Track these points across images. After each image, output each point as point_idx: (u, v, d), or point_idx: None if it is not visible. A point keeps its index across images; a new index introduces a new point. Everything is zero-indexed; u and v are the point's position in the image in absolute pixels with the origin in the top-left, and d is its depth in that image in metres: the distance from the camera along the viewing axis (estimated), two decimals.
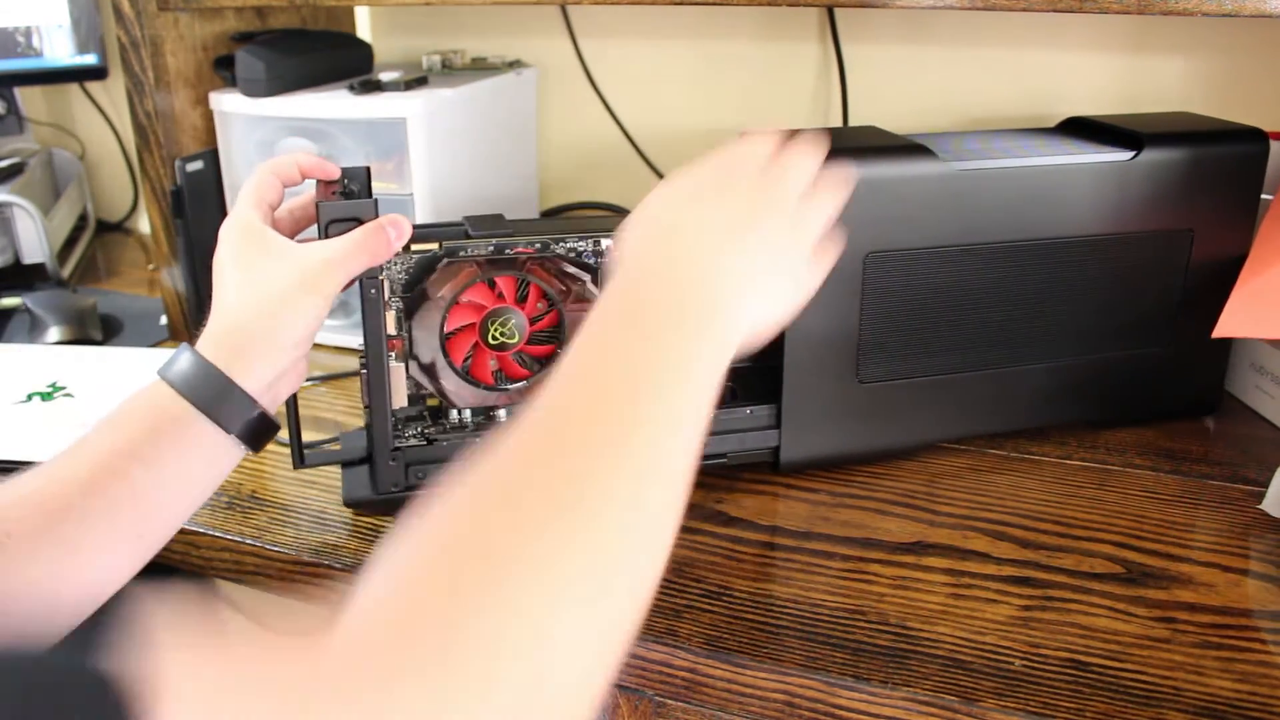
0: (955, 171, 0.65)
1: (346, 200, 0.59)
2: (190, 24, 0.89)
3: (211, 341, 0.53)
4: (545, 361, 0.66)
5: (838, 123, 0.98)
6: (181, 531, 0.65)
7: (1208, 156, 0.69)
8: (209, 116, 0.91)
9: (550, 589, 0.33)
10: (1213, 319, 0.70)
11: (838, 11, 0.95)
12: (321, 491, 0.69)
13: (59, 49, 1.14)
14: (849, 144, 0.66)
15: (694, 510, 0.66)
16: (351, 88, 0.86)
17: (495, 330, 0.64)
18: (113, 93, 1.28)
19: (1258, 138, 0.71)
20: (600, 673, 0.35)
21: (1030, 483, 0.69)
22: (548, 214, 1.09)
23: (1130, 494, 0.67)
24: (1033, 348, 0.71)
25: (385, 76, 0.87)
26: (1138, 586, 0.58)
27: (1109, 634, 0.54)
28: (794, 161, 0.51)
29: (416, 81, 0.88)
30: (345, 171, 0.62)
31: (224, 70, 0.91)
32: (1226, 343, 0.76)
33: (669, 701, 0.56)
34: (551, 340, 0.66)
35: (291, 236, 0.59)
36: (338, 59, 0.94)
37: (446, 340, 0.64)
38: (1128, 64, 0.90)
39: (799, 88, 1.00)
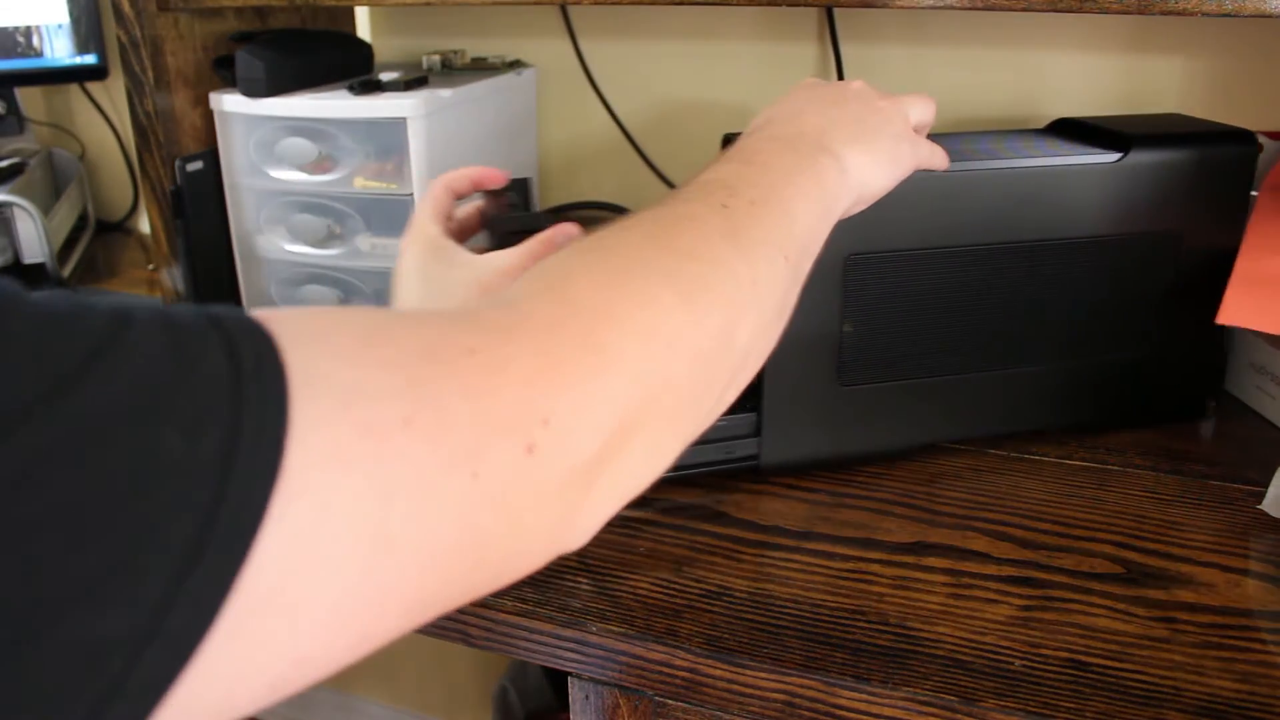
0: (938, 173, 0.65)
1: (517, 213, 0.63)
2: (190, 24, 0.89)
3: None
4: None
5: None
6: None
7: (1195, 158, 0.69)
8: (209, 116, 0.91)
9: (685, 303, 0.38)
10: (1202, 323, 0.70)
11: (837, 12, 0.95)
12: None
13: (59, 49, 1.14)
14: None
15: (694, 510, 0.66)
16: (351, 88, 0.86)
17: None
18: (113, 93, 1.28)
19: (1246, 139, 0.70)
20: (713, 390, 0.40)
21: (1030, 483, 0.69)
22: (548, 214, 1.09)
23: (1130, 494, 0.67)
24: (1019, 351, 0.71)
25: (385, 76, 0.87)
26: (1138, 586, 0.58)
27: (1109, 634, 0.54)
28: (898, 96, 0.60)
29: (416, 81, 0.88)
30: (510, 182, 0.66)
31: (224, 70, 0.91)
32: (1217, 347, 0.75)
33: (669, 701, 0.56)
34: None
35: (459, 243, 0.61)
36: (338, 59, 0.94)
37: None
38: (1127, 64, 0.90)
39: None
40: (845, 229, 0.62)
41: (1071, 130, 0.73)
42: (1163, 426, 0.75)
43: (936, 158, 0.60)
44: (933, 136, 0.71)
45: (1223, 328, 0.71)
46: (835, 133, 0.53)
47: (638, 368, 0.35)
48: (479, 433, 0.30)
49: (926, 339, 0.69)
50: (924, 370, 0.70)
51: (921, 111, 0.61)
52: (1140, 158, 0.68)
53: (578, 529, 0.36)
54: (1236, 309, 0.67)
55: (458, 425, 0.29)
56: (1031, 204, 0.67)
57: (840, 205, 0.51)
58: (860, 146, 0.53)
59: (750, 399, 0.67)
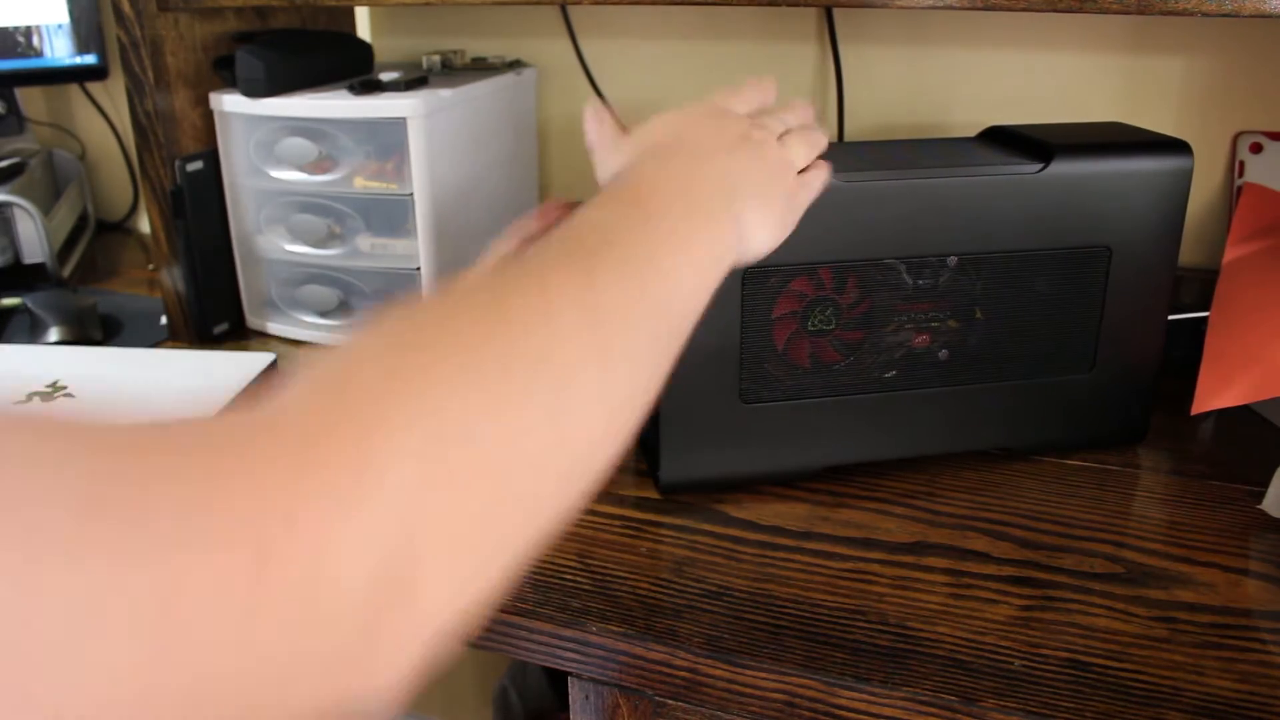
0: (839, 186, 0.62)
1: None
2: (190, 24, 0.89)
3: None
4: None
5: (835, 123, 0.98)
6: None
7: (1124, 170, 0.65)
8: (209, 116, 0.91)
9: (493, 397, 0.31)
10: (1137, 344, 0.68)
11: (836, 12, 0.95)
12: None
13: (59, 49, 1.14)
14: None
15: (694, 510, 0.66)
16: (351, 88, 0.86)
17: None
18: (113, 93, 1.28)
19: (1181, 150, 0.66)
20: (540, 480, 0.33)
21: (1030, 483, 0.69)
22: None
23: (1130, 494, 0.67)
24: (938, 370, 0.68)
25: (385, 76, 0.87)
26: (1138, 586, 0.58)
27: (1109, 634, 0.54)
28: (779, 112, 0.58)
29: (416, 81, 0.88)
30: None
31: (224, 70, 0.91)
32: (1153, 371, 0.71)
33: (669, 701, 0.56)
34: None
35: None
36: (338, 59, 0.94)
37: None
38: (1127, 64, 0.90)
39: (798, 88, 1.00)
40: None
41: (1000, 139, 0.71)
42: (1170, 424, 0.75)
43: (813, 193, 0.58)
44: (839, 145, 0.70)
45: (1163, 348, 0.70)
46: (742, 187, 0.48)
47: (410, 495, 0.28)
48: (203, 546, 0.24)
49: (835, 356, 0.66)
50: (834, 388, 0.67)
51: (806, 153, 0.57)
52: (1063, 169, 0.64)
53: (373, 671, 0.29)
54: (1209, 399, 0.67)
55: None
56: (945, 217, 0.64)
57: (726, 268, 0.46)
58: (759, 205, 0.50)
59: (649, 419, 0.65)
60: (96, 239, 1.28)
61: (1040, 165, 0.64)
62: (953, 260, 0.65)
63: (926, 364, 0.68)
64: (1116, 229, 0.66)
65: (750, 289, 0.63)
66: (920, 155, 0.67)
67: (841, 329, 0.66)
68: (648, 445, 0.71)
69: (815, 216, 0.61)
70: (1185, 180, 0.66)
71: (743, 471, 0.68)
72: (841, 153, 0.67)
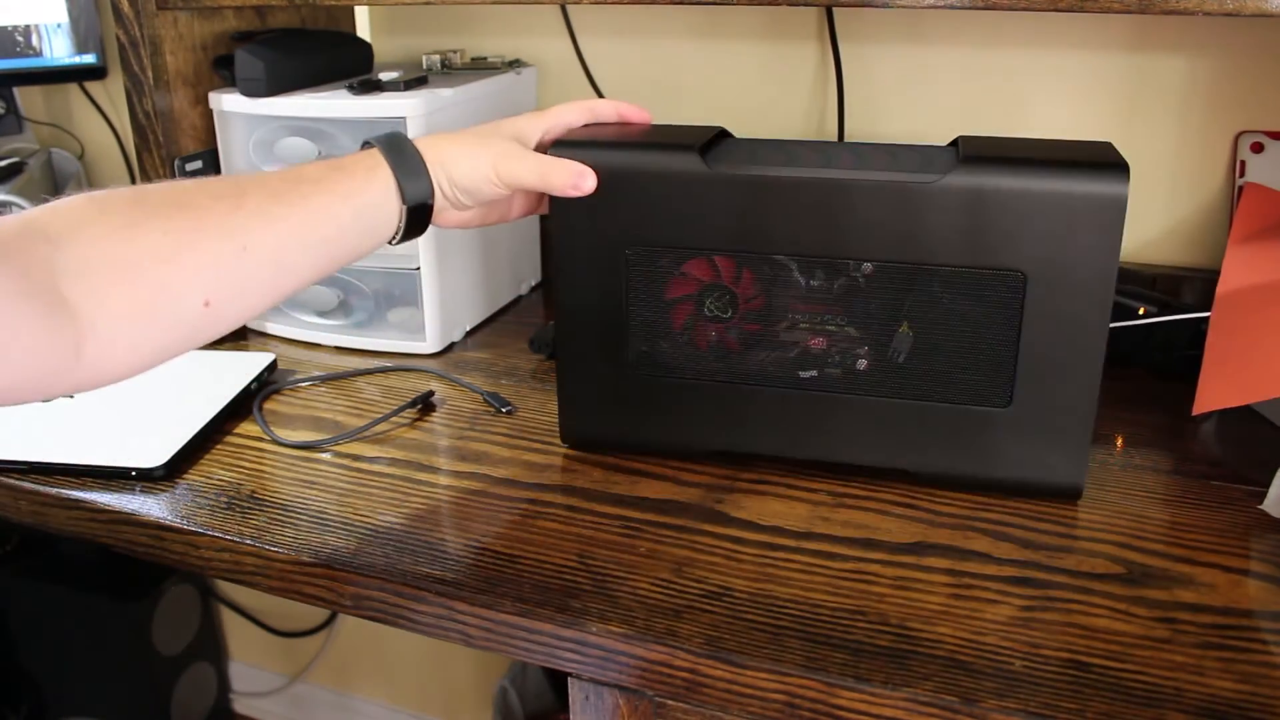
0: (721, 174, 0.63)
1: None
2: (190, 23, 0.89)
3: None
4: None
5: (834, 122, 0.98)
6: (182, 532, 0.65)
7: (1038, 189, 0.59)
8: (208, 116, 0.91)
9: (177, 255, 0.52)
10: (1063, 385, 0.62)
11: (836, 11, 0.95)
12: (321, 491, 0.68)
13: (58, 49, 1.14)
14: (634, 139, 0.67)
15: (694, 510, 0.66)
16: (351, 87, 0.86)
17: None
18: (112, 92, 1.28)
19: (1116, 176, 0.59)
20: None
21: None
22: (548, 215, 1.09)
23: (1130, 494, 0.67)
24: (854, 378, 0.66)
25: (385, 76, 0.87)
26: (1138, 587, 0.58)
27: (1110, 634, 0.54)
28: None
29: (416, 81, 0.88)
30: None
31: (223, 70, 0.91)
32: (1084, 422, 0.63)
33: (669, 701, 0.56)
34: None
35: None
36: (337, 59, 0.94)
37: None
38: (1127, 64, 0.90)
39: (798, 87, 1.00)
40: (622, 218, 0.66)
41: (962, 148, 0.64)
42: (1170, 424, 0.75)
43: (553, 176, 0.64)
44: (762, 140, 0.70)
45: (1098, 398, 0.63)
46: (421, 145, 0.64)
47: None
48: None
49: (715, 342, 0.68)
50: (722, 373, 0.68)
51: (537, 125, 0.68)
52: (961, 180, 0.60)
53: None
54: (1210, 398, 0.67)
55: None
56: (838, 218, 0.63)
57: (378, 204, 0.61)
58: (451, 148, 0.64)
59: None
60: None
61: (938, 176, 0.61)
62: (850, 264, 0.64)
63: (846, 370, 0.67)
64: (1031, 253, 0.61)
65: (635, 265, 0.67)
66: (823, 155, 0.65)
67: (741, 320, 0.67)
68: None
69: (692, 204, 0.64)
70: (1118, 208, 0.59)
71: (638, 440, 0.71)
72: (743, 147, 0.67)
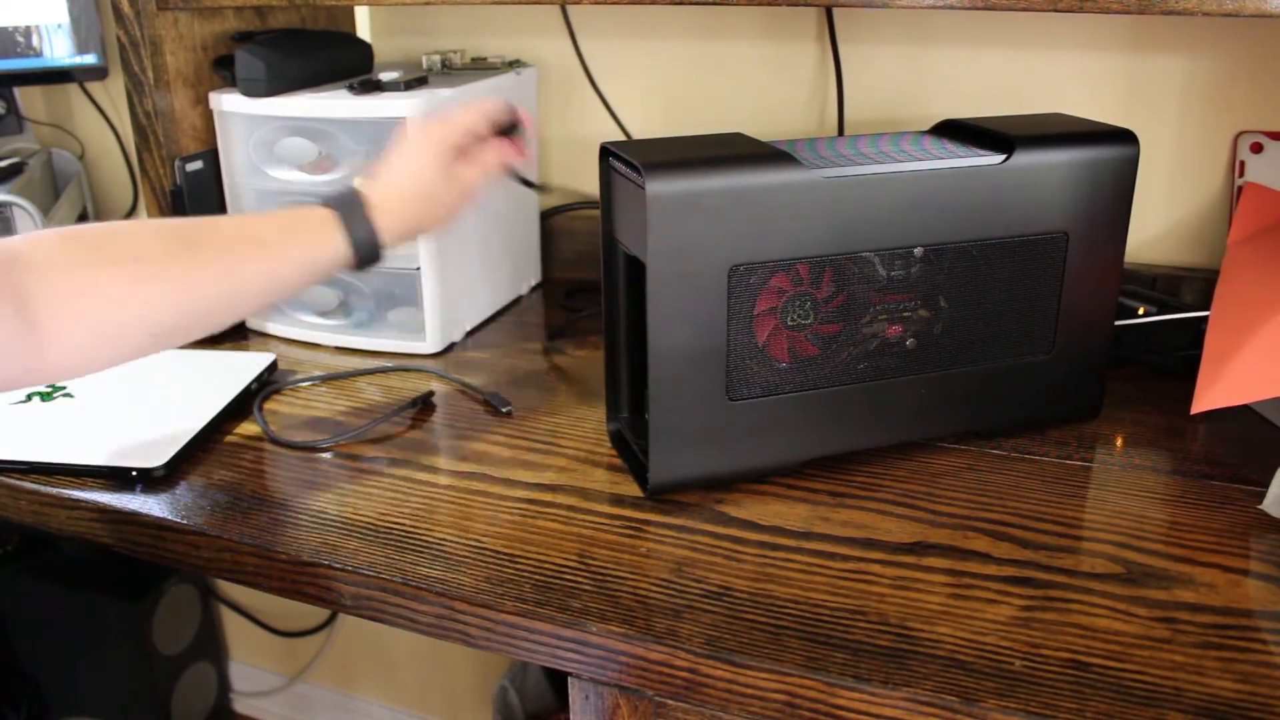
0: (819, 179, 0.62)
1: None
2: (190, 24, 0.89)
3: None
4: None
5: (834, 122, 0.98)
6: (183, 532, 0.65)
7: (1080, 158, 0.68)
8: (208, 116, 0.91)
9: (144, 285, 0.60)
10: (1091, 325, 0.72)
11: (836, 11, 0.95)
12: (321, 491, 0.69)
13: (59, 49, 1.14)
14: (709, 153, 0.63)
15: (694, 510, 0.66)
16: (351, 88, 0.86)
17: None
18: (112, 92, 1.28)
19: (1129, 139, 0.69)
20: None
21: (1030, 483, 0.69)
22: (548, 214, 1.09)
23: (1130, 494, 0.67)
24: (912, 358, 0.69)
25: (385, 76, 0.87)
26: (1138, 586, 0.58)
27: (1110, 634, 0.54)
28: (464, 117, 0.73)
29: (416, 81, 0.88)
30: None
31: (223, 70, 0.91)
32: (1107, 349, 0.74)
33: (669, 701, 0.56)
34: None
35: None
36: (338, 59, 0.94)
37: None
38: (1127, 64, 0.90)
39: (798, 87, 1.00)
40: (726, 240, 0.62)
41: (956, 132, 0.72)
42: (1170, 424, 0.75)
43: (490, 159, 0.74)
44: (809, 140, 0.70)
45: (1114, 330, 0.74)
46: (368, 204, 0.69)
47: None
48: None
49: (812, 350, 0.67)
50: (816, 381, 0.68)
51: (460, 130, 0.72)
52: (1025, 159, 0.67)
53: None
54: (1209, 398, 0.67)
55: None
56: (919, 208, 0.65)
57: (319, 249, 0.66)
58: (398, 209, 0.69)
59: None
60: None
61: (1003, 156, 0.66)
62: (919, 251, 0.67)
63: (895, 354, 0.69)
64: (1072, 215, 0.69)
65: (735, 286, 0.63)
66: (887, 149, 0.68)
67: (819, 323, 0.67)
68: (628, 449, 0.71)
69: (792, 213, 0.63)
70: (1132, 167, 0.69)
71: (732, 469, 0.68)
72: (807, 147, 0.67)
